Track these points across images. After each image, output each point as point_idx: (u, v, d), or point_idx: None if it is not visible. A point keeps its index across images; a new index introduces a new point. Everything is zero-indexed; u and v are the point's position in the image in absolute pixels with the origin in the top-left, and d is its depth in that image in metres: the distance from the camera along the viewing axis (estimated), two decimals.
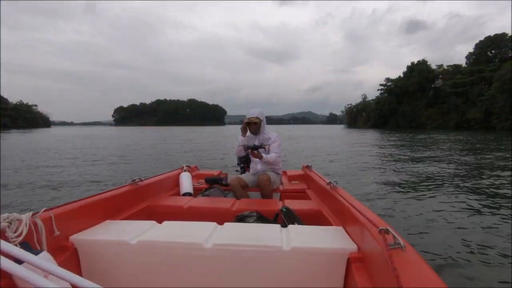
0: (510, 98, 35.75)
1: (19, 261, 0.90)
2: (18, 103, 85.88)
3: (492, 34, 50.76)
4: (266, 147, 2.62)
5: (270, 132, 2.77)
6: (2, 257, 0.83)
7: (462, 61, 55.87)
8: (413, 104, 58.09)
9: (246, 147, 2.58)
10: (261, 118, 2.69)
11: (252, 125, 2.66)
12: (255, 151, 2.53)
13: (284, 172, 3.26)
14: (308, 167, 3.04)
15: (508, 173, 6.61)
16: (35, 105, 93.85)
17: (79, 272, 1.29)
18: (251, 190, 2.63)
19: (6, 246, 0.91)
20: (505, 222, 3.35)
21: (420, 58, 65.37)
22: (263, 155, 2.56)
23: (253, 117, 2.64)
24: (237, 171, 3.28)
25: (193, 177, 2.99)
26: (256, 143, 2.67)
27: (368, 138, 23.78)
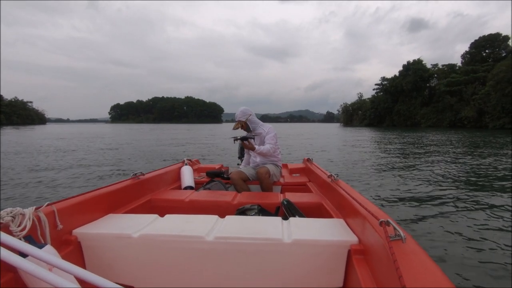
0: (502, 97, 36.30)
1: (23, 255, 0.90)
2: (13, 100, 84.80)
3: (493, 33, 51.20)
4: (256, 137, 2.64)
5: (264, 125, 2.79)
6: (7, 251, 0.84)
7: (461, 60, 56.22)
8: (408, 103, 58.62)
9: (236, 139, 2.59)
10: (244, 118, 2.67)
11: (240, 127, 2.68)
12: (246, 142, 2.53)
13: (285, 165, 3.28)
14: (309, 160, 3.04)
15: (505, 165, 6.75)
16: (30, 102, 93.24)
17: (82, 265, 1.29)
18: (252, 183, 2.64)
19: (10, 240, 0.91)
20: (505, 214, 3.41)
21: (421, 57, 65.41)
22: (256, 146, 2.57)
23: (236, 123, 2.66)
24: (238, 164, 3.30)
25: (194, 170, 3.00)
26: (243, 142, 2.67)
27: (356, 135, 23.97)
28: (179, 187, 2.56)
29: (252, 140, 2.62)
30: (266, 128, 2.72)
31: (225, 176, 2.77)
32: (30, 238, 1.06)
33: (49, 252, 0.99)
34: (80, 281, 0.86)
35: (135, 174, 2.03)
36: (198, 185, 2.64)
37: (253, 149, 2.54)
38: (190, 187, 2.53)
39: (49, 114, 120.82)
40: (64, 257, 1.11)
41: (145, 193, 2.06)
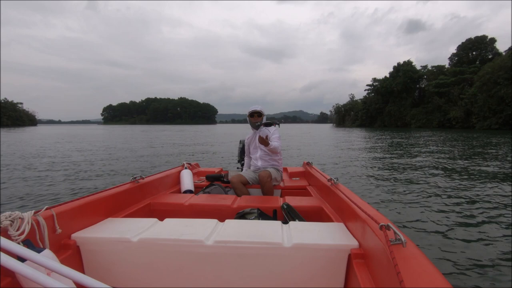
0: (489, 98, 37.34)
1: (22, 259, 0.89)
2: (3, 101, 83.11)
3: (488, 35, 52.69)
4: (269, 135, 2.70)
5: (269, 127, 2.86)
6: (5, 255, 0.83)
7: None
8: (399, 104, 59.67)
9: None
10: (263, 113, 2.77)
11: (255, 117, 2.70)
12: (263, 137, 2.53)
13: (285, 169, 3.29)
14: (308, 164, 3.05)
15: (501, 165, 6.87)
16: (21, 103, 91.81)
17: (81, 269, 1.28)
18: (252, 187, 2.65)
19: (9, 244, 0.90)
20: (504, 217, 3.43)
21: (415, 58, 66.68)
22: (270, 142, 2.57)
23: (257, 109, 2.71)
24: (238, 168, 3.30)
25: (194, 174, 2.99)
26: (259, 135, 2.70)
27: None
28: (179, 191, 2.55)
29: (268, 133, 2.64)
30: (272, 129, 2.79)
31: (224, 179, 2.77)
32: (28, 242, 1.05)
33: (47, 257, 0.99)
34: (79, 285, 0.85)
35: (135, 177, 2.01)
36: (197, 189, 2.64)
37: (267, 144, 2.50)
38: (189, 191, 2.52)
39: (40, 116, 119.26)
40: (63, 262, 1.10)
41: (144, 197, 2.05)
